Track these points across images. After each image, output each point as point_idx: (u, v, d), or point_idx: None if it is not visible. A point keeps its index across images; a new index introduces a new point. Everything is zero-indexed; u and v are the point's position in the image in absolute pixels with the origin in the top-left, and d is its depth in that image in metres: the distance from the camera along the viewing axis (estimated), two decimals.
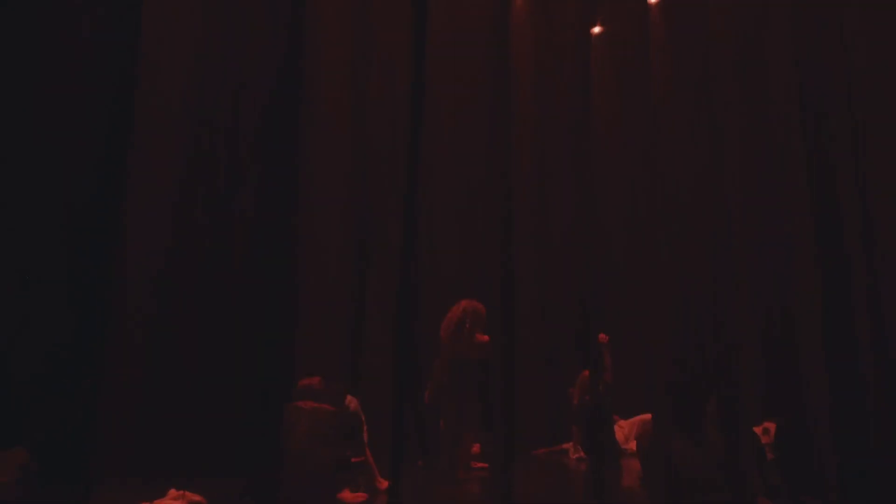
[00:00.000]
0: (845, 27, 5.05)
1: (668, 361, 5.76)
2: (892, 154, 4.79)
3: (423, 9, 4.61)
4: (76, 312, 4.85)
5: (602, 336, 6.54)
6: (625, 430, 7.36)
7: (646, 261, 6.22)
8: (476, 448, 6.20)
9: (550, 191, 7.54)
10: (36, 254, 5.15)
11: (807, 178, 4.83)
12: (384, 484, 5.02)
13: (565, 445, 7.17)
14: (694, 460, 3.92)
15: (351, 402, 5.51)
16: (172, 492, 4.53)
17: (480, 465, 6.09)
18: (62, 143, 5.13)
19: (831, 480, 4.21)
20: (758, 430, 5.49)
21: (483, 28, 6.63)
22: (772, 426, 5.49)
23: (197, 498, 4.54)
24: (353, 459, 4.84)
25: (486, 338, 5.76)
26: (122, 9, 4.81)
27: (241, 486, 4.60)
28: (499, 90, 5.27)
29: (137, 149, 4.63)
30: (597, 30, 8.95)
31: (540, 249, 7.48)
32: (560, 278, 7.24)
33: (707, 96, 5.74)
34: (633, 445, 6.64)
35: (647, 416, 5.96)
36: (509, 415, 4.42)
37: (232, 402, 5.30)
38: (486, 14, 6.32)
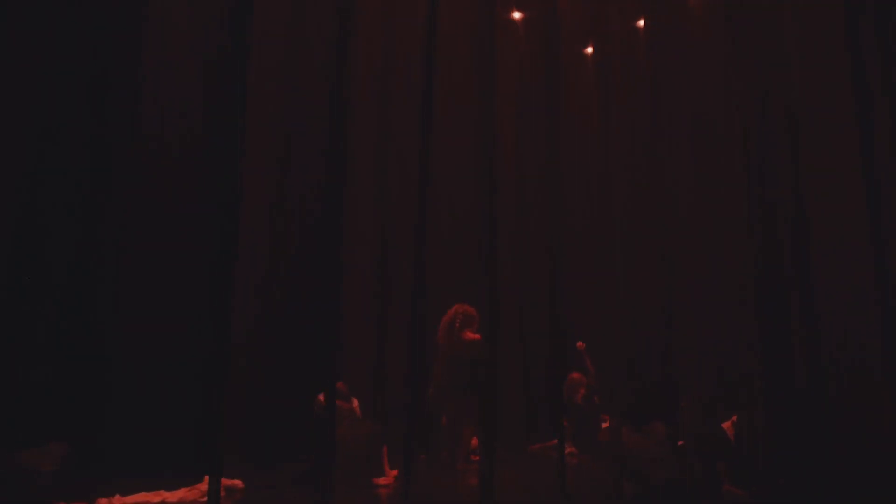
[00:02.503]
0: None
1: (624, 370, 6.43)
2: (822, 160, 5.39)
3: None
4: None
5: (579, 343, 7.17)
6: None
7: (606, 279, 6.78)
8: (475, 442, 6.52)
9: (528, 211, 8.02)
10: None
11: (747, 191, 5.43)
12: (391, 474, 5.65)
13: (555, 441, 7.72)
14: (641, 445, 4.81)
15: (353, 401, 6.07)
16: (208, 478, 4.93)
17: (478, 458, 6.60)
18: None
19: (770, 469, 4.80)
20: (727, 424, 6.12)
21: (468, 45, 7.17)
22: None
23: (234, 483, 5.04)
24: None
25: (475, 336, 6.17)
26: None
27: (297, 472, 5.23)
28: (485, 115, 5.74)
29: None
30: (589, 50, 9.57)
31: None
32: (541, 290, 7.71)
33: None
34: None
35: None
36: (492, 411, 4.89)
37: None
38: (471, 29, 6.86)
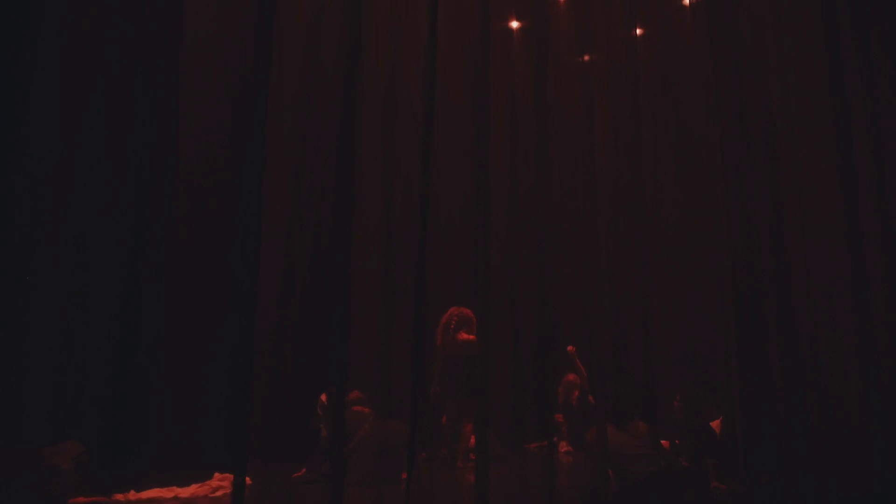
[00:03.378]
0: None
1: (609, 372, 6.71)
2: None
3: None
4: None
5: (570, 348, 7.41)
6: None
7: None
8: (473, 440, 6.59)
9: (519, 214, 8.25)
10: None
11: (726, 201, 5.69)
12: None
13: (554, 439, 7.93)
14: (623, 441, 5.12)
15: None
16: (217, 475, 5.22)
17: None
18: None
19: (754, 466, 5.05)
20: (716, 423, 6.36)
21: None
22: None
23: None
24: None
25: (469, 336, 6.41)
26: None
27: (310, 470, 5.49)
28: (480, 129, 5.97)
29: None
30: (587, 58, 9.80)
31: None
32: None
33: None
34: None
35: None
36: (486, 410, 5.13)
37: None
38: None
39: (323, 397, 6.38)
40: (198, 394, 6.00)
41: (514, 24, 9.17)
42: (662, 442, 5.79)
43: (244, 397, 4.21)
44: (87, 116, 6.02)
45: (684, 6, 8.66)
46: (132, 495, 4.77)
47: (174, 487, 4.98)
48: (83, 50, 5.99)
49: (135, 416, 6.00)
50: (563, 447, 7.65)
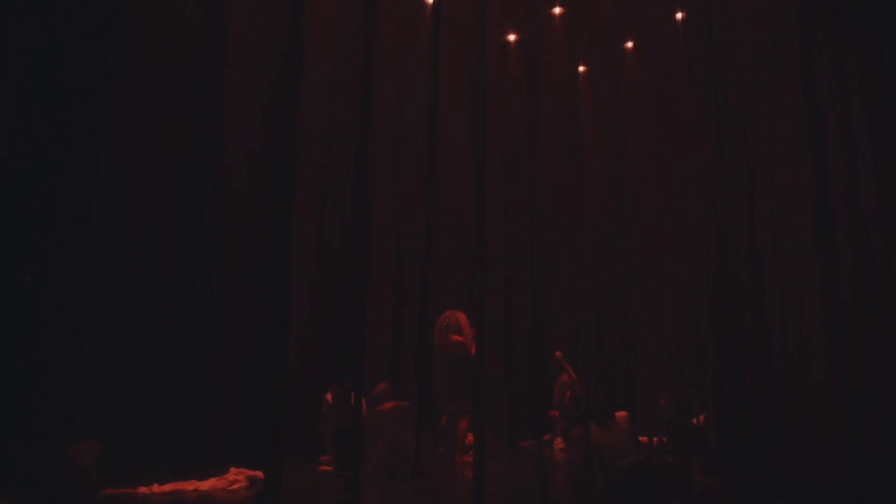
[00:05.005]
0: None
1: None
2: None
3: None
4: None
5: (558, 353, 7.77)
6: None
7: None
8: (471, 438, 6.75)
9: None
10: None
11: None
12: None
13: (546, 438, 8.03)
14: (605, 438, 5.55)
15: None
16: (233, 469, 5.57)
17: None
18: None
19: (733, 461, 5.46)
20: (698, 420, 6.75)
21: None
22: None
23: (256, 474, 5.58)
24: None
25: (459, 338, 6.63)
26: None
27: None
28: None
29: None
30: (581, 69, 10.15)
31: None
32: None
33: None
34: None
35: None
36: (482, 409, 5.51)
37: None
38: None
39: (328, 396, 6.77)
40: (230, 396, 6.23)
41: (512, 37, 9.52)
42: (641, 438, 6.18)
43: (279, 400, 4.57)
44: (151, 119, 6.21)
45: (676, 20, 9.03)
46: (155, 488, 5.11)
47: (193, 481, 5.31)
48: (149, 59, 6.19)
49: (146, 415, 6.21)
50: (559, 444, 7.97)
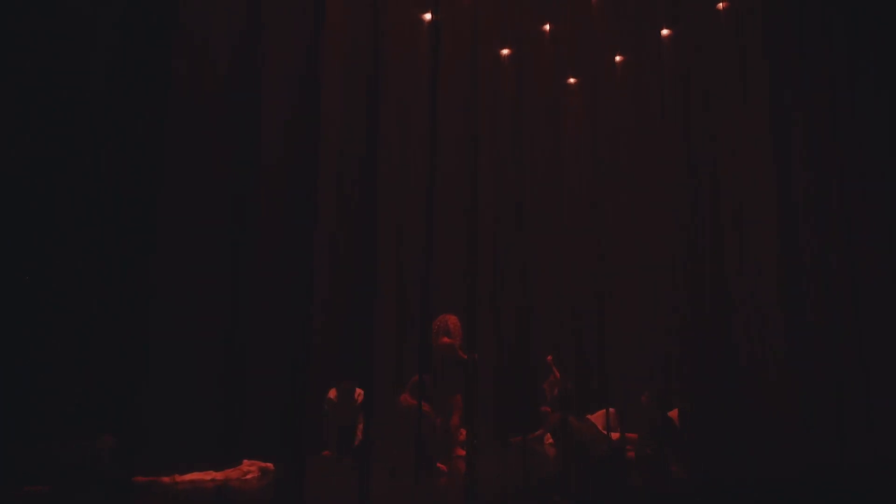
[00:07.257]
0: None
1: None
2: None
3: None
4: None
5: (548, 357, 8.32)
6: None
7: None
8: (464, 434, 7.07)
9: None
10: None
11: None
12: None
13: (538, 433, 8.53)
14: (581, 430, 6.05)
15: (359, 395, 7.05)
16: (246, 461, 6.04)
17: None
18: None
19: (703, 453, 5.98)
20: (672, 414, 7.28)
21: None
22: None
23: (267, 465, 6.06)
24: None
25: (449, 340, 6.93)
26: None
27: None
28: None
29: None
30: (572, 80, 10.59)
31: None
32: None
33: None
34: None
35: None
36: (473, 408, 6.00)
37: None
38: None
39: (331, 393, 7.16)
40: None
41: (504, 52, 9.96)
42: (613, 434, 6.70)
43: (302, 396, 5.15)
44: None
45: (662, 37, 9.49)
46: (177, 477, 5.59)
47: (210, 472, 5.77)
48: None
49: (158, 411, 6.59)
50: (549, 439, 8.42)
